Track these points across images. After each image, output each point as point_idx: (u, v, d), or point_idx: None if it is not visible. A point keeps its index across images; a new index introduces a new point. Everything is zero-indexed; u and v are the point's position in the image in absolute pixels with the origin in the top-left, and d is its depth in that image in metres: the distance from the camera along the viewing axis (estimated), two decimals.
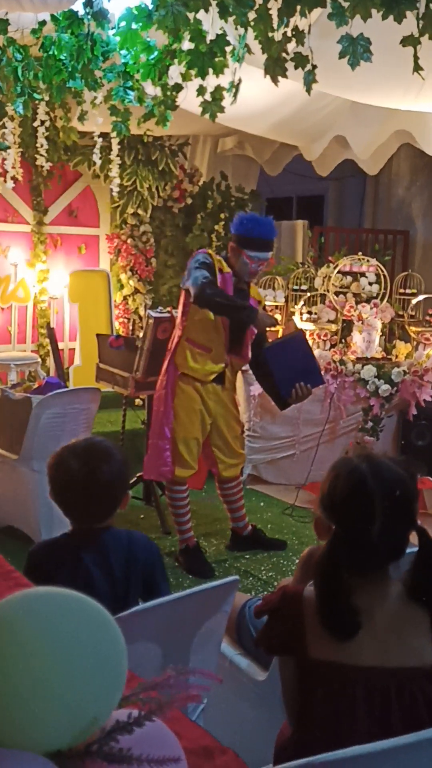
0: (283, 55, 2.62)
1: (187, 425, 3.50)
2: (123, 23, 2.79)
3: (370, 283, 5.42)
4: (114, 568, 1.82)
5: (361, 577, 1.35)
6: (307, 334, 5.18)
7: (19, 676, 0.86)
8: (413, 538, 1.37)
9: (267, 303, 5.42)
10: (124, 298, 6.18)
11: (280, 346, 3.54)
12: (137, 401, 5.01)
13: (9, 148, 4.93)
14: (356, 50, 2.39)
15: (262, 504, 4.59)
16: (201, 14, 2.61)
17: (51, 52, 3.18)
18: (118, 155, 5.08)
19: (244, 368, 3.87)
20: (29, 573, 1.84)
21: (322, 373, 4.85)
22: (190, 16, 2.58)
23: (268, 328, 3.56)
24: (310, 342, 5.12)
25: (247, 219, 3.45)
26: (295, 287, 5.58)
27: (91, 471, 1.78)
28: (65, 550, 1.83)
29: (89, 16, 2.89)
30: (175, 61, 2.88)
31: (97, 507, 1.83)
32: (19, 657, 0.86)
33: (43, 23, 3.17)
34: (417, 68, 2.42)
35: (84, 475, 1.78)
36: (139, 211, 5.98)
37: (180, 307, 3.54)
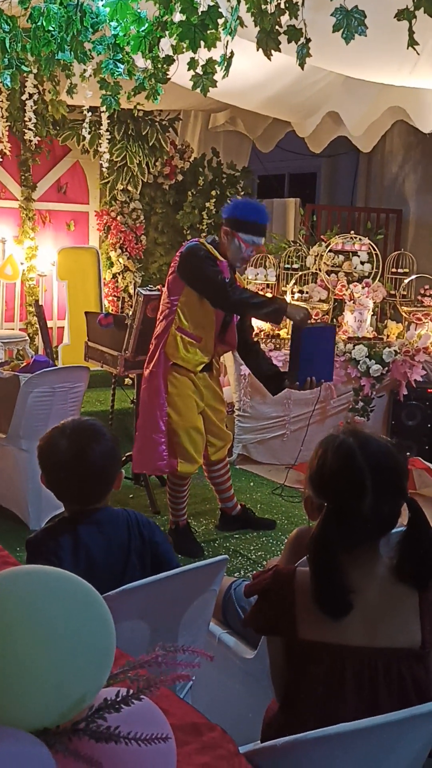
0: (276, 28, 2.56)
1: (187, 415, 3.46)
2: None
3: (362, 262, 5.39)
4: (113, 545, 1.80)
5: (353, 555, 1.35)
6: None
7: (5, 654, 0.85)
8: (403, 516, 1.37)
9: (258, 281, 5.39)
10: (114, 275, 6.13)
11: (318, 331, 3.45)
12: (126, 380, 4.99)
13: None
14: (351, 23, 2.34)
15: (251, 484, 4.60)
16: None
17: (39, 23, 3.10)
18: (107, 130, 5.01)
19: None
20: (31, 563, 1.78)
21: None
22: None
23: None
24: None
25: (242, 203, 3.48)
26: (287, 266, 5.54)
27: (81, 451, 1.77)
28: (62, 532, 1.79)
29: None
30: (166, 33, 2.82)
31: (90, 487, 1.80)
32: (5, 634, 0.86)
33: None
34: (412, 43, 2.38)
35: (73, 455, 1.77)
36: (129, 188, 5.91)
37: (166, 291, 3.47)
